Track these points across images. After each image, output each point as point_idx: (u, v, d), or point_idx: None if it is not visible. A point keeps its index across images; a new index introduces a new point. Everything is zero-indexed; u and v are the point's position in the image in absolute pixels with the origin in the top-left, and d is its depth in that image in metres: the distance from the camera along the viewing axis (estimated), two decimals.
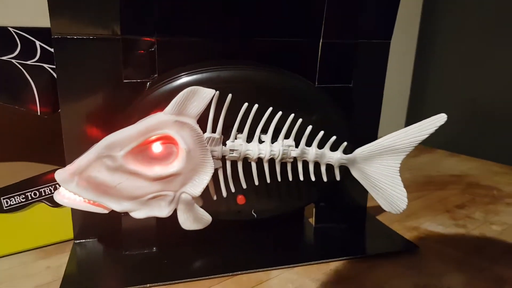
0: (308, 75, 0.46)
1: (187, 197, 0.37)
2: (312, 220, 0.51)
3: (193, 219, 0.38)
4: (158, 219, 0.42)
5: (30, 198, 0.43)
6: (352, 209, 0.52)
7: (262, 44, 0.44)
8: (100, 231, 0.46)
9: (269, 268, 0.41)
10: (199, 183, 0.37)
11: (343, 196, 0.51)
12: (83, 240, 0.45)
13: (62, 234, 0.46)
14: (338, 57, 0.47)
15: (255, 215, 0.46)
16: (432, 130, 0.38)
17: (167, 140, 0.36)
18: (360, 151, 0.41)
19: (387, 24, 0.48)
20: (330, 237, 0.48)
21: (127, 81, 0.42)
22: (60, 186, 0.36)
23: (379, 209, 0.54)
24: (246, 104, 0.39)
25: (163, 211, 0.37)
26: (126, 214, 0.39)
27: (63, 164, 0.43)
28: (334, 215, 0.51)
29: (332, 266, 0.42)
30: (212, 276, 0.39)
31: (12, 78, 0.40)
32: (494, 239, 0.49)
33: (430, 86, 0.99)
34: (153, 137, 0.36)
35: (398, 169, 0.40)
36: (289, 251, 0.45)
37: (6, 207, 0.42)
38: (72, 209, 0.44)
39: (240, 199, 0.45)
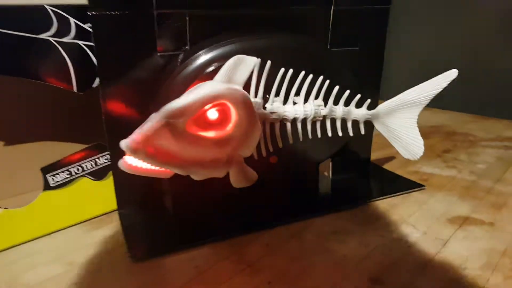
0: (319, 40, 0.50)
1: (239, 158, 0.41)
2: (327, 173, 0.56)
3: (243, 178, 0.42)
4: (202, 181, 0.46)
5: (73, 173, 0.45)
6: (360, 161, 0.58)
7: (280, 12, 0.47)
8: (141, 199, 0.48)
9: (307, 218, 0.46)
10: (250, 145, 0.40)
11: (352, 150, 0.56)
12: (127, 210, 0.48)
13: (105, 206, 0.48)
14: (347, 23, 0.51)
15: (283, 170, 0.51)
16: (445, 84, 0.44)
17: (221, 106, 0.39)
18: (382, 107, 0.47)
19: None
20: (348, 186, 0.54)
21: (161, 53, 0.44)
22: (124, 155, 0.38)
23: (381, 160, 0.61)
24: (283, 69, 0.42)
25: (220, 172, 0.40)
26: (177, 177, 0.43)
27: (103, 139, 0.45)
28: (347, 167, 0.57)
29: (359, 209, 0.48)
30: (265, 229, 0.44)
31: (50, 56, 0.41)
32: (482, 175, 0.57)
33: (390, 41, 1.06)
34: (209, 106, 0.38)
35: (416, 120, 0.46)
36: (318, 202, 0.51)
37: (52, 184, 0.43)
38: (114, 179, 0.46)
39: (273, 158, 0.49)
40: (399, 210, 0.47)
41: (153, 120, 0.37)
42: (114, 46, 0.42)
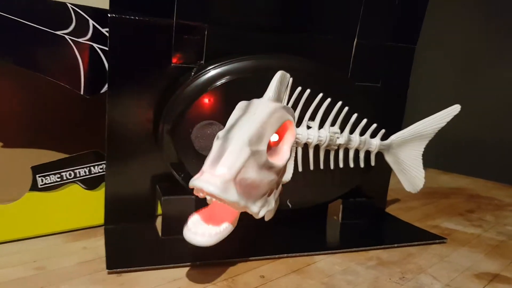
0: (340, 70, 0.49)
1: (281, 186, 0.36)
2: (337, 217, 0.52)
3: (275, 209, 0.36)
4: (196, 205, 0.42)
5: (65, 178, 0.42)
6: (373, 208, 0.53)
7: (303, 38, 0.47)
8: (130, 217, 0.45)
9: (312, 253, 0.41)
10: (290, 169, 0.36)
11: (365, 195, 0.52)
12: (114, 226, 0.44)
13: (93, 218, 0.44)
14: (369, 57, 0.50)
15: (290, 205, 0.46)
16: (449, 118, 0.44)
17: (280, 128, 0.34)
18: (395, 137, 0.45)
19: (414, 30, 0.51)
20: (360, 230, 0.49)
21: (175, 65, 0.43)
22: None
23: (398, 213, 0.56)
24: (299, 88, 0.40)
25: (271, 204, 0.33)
26: (168, 196, 0.40)
27: (101, 147, 0.43)
28: (359, 212, 0.52)
29: (371, 253, 0.42)
30: (259, 258, 0.39)
31: (63, 54, 0.40)
32: None
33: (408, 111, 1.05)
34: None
35: (422, 152, 0.46)
36: (326, 240, 0.46)
37: (41, 185, 0.41)
38: (106, 192, 0.43)
39: None
40: (416, 259, 0.42)
41: (234, 148, 0.29)
42: (129, 52, 0.41)
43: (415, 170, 0.45)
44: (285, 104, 0.36)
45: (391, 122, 0.52)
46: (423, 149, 0.46)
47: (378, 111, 0.50)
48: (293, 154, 0.38)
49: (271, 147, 0.34)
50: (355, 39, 0.49)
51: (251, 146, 0.29)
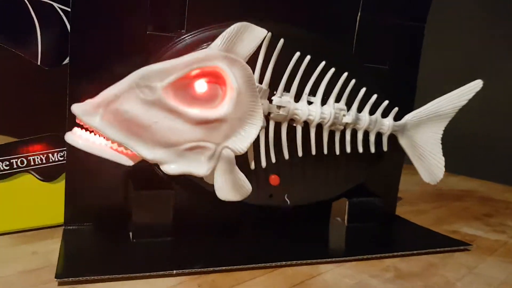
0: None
1: (229, 154, 0.30)
2: (341, 219, 0.45)
3: (232, 185, 0.31)
4: (174, 205, 0.35)
5: (15, 166, 0.34)
6: (383, 209, 0.46)
7: (299, 8, 0.40)
8: (96, 216, 0.37)
9: (316, 261, 0.34)
10: (246, 137, 0.30)
11: (372, 194, 0.45)
12: (76, 226, 0.36)
13: (50, 217, 0.36)
14: (374, 35, 0.43)
15: (288, 201, 0.39)
16: (471, 95, 0.39)
17: (213, 79, 0.30)
18: (410, 117, 0.39)
19: (423, 7, 0.45)
20: (370, 235, 0.42)
21: (152, 33, 0.35)
22: (75, 125, 0.29)
23: (406, 216, 0.50)
24: (298, 53, 0.33)
25: (201, 168, 0.30)
26: (141, 190, 0.33)
27: (62, 129, 0.35)
28: (367, 213, 0.45)
29: (387, 262, 0.35)
30: (250, 267, 0.31)
31: (15, 14, 0.33)
32: None
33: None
34: (197, 71, 0.29)
35: (441, 136, 0.40)
36: (331, 245, 0.39)
37: None
38: (67, 184, 0.35)
39: (274, 179, 0.38)
40: (440, 270, 0.35)
41: (122, 81, 0.28)
42: (96, 16, 0.34)
43: (433, 157, 0.40)
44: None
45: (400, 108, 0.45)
46: (442, 132, 0.40)
47: (386, 95, 0.44)
48: (257, 121, 0.31)
49: (199, 97, 0.30)
50: (359, 13, 0.42)
51: (141, 80, 0.28)
